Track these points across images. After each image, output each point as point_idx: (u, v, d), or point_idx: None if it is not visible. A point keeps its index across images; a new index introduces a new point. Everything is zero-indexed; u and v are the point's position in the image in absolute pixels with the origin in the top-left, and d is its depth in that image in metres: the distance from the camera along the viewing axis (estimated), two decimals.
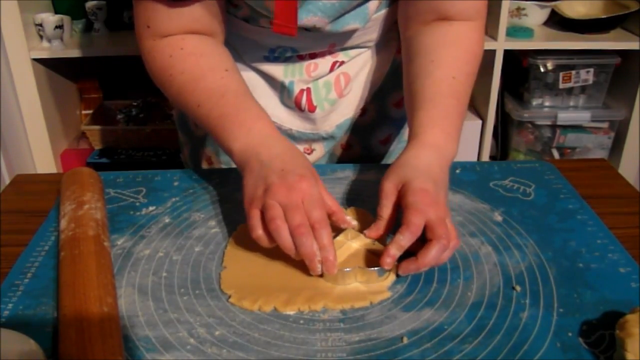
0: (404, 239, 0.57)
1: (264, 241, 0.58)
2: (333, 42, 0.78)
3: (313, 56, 0.80)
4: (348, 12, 0.72)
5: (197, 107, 0.69)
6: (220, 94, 0.68)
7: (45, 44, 1.67)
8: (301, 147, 0.88)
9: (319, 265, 0.56)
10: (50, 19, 1.62)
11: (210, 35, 0.73)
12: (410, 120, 0.69)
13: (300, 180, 0.59)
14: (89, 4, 1.75)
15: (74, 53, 1.68)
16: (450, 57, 0.70)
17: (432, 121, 0.66)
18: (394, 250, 0.57)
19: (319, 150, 0.89)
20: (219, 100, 0.67)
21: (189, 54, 0.70)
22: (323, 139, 0.87)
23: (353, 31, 0.76)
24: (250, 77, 0.83)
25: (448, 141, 0.66)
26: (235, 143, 0.66)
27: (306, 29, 0.72)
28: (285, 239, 0.56)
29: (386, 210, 0.61)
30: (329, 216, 0.60)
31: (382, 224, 0.61)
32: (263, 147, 0.64)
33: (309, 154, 0.89)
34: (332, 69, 0.81)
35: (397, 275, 0.59)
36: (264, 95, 0.84)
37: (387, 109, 0.89)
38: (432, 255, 0.56)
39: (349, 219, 0.63)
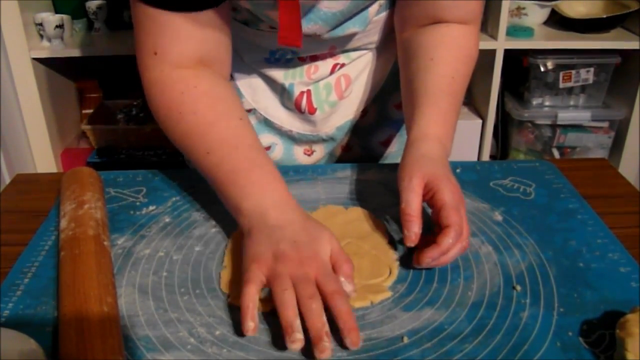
0: (452, 242, 0.57)
1: (252, 304, 0.52)
2: (334, 45, 0.78)
3: (314, 59, 0.80)
4: (349, 18, 0.72)
5: (206, 154, 0.64)
6: (234, 145, 0.63)
7: (45, 43, 1.67)
8: (301, 149, 0.88)
9: (325, 343, 0.48)
10: (50, 18, 1.62)
11: (220, 66, 0.70)
12: (412, 116, 0.68)
13: (313, 255, 0.55)
14: (89, 4, 1.75)
15: (74, 53, 1.68)
16: (449, 57, 0.71)
17: (434, 116, 0.67)
18: (437, 253, 0.56)
19: (319, 152, 0.89)
20: (232, 152, 0.63)
21: (203, 94, 0.65)
22: (323, 140, 0.87)
23: (353, 35, 0.76)
24: (250, 78, 0.83)
25: (447, 136, 0.67)
26: (245, 202, 0.60)
27: (306, 35, 0.72)
28: (291, 311, 0.50)
29: (416, 206, 0.59)
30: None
31: (416, 223, 0.58)
32: (276, 211, 0.59)
33: (309, 155, 0.89)
34: (332, 71, 0.81)
35: (418, 266, 0.59)
36: (265, 96, 0.84)
37: (388, 110, 0.89)
38: (448, 242, 0.56)
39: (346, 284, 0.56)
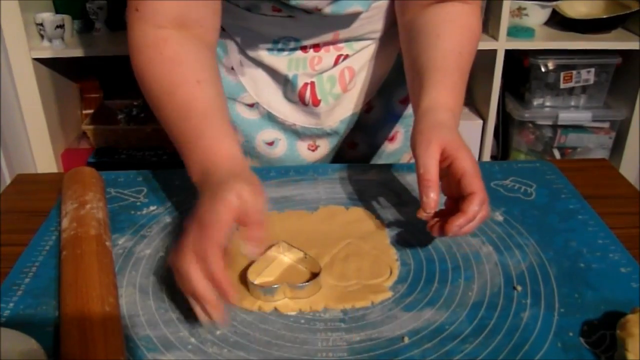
0: (476, 207, 0.56)
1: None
2: (336, 29, 0.78)
3: (317, 49, 0.80)
4: None
5: (165, 124, 0.66)
6: (185, 117, 0.64)
7: (46, 43, 1.67)
8: (305, 144, 0.88)
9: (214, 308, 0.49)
10: (51, 18, 1.62)
11: (201, 30, 0.69)
12: (421, 89, 0.67)
13: (204, 224, 0.52)
14: (89, 4, 1.75)
15: (75, 53, 1.67)
16: (455, 33, 0.71)
17: (445, 89, 0.67)
18: (464, 221, 0.57)
19: (323, 147, 0.89)
20: (183, 123, 0.64)
21: (167, 60, 0.66)
22: (327, 134, 0.87)
23: (356, 16, 0.76)
24: (253, 71, 0.83)
25: (459, 110, 0.67)
26: (194, 176, 0.62)
27: (308, 12, 0.72)
28: (186, 285, 0.51)
29: (434, 171, 0.59)
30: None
31: (434, 189, 0.58)
32: (205, 185, 0.58)
33: (313, 150, 0.89)
34: (336, 63, 0.81)
35: (443, 235, 0.58)
36: (268, 90, 0.84)
37: (393, 106, 0.89)
38: (475, 209, 0.56)
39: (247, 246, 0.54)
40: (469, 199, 0.57)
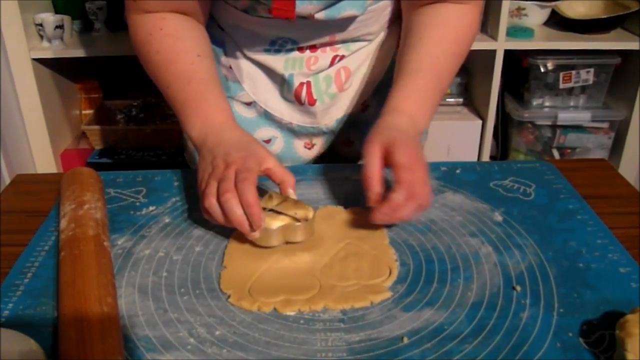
0: (401, 197, 0.60)
1: (209, 218, 0.62)
2: (333, 32, 0.78)
3: (313, 49, 0.80)
4: None
5: (167, 88, 0.73)
6: (187, 79, 0.71)
7: (45, 43, 1.67)
8: (301, 142, 0.89)
9: (248, 227, 0.59)
10: (50, 18, 1.62)
11: (192, 15, 0.76)
12: (391, 90, 0.72)
13: (238, 158, 0.62)
14: (89, 4, 1.75)
15: (75, 53, 1.67)
16: (437, 36, 0.73)
17: (408, 93, 0.71)
18: (388, 209, 0.60)
19: (320, 145, 0.89)
20: (185, 86, 0.71)
21: (167, 35, 0.73)
22: (323, 133, 0.88)
23: (352, 19, 0.77)
24: (250, 70, 0.84)
25: (421, 113, 0.71)
26: (192, 131, 0.70)
27: (304, 18, 0.73)
28: (215, 213, 0.60)
29: (375, 168, 0.63)
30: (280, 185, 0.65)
31: (376, 184, 0.62)
32: (213, 136, 0.67)
33: (309, 148, 0.89)
34: (332, 63, 0.82)
35: (374, 222, 0.62)
36: (264, 88, 0.84)
37: None
38: (398, 198, 0.60)
39: (291, 192, 0.64)
40: (393, 189, 0.61)
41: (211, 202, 0.60)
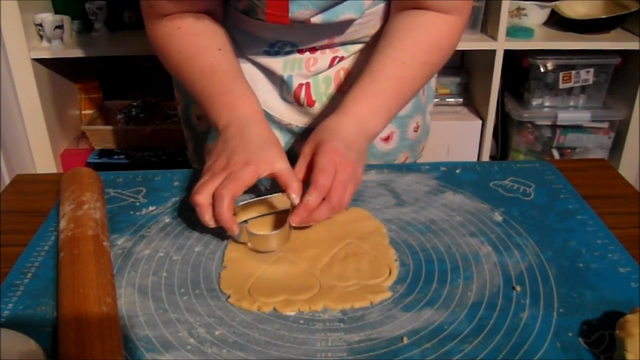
0: (313, 200, 0.60)
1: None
2: (331, 35, 0.79)
3: (313, 51, 0.81)
4: (340, 2, 0.72)
5: (191, 84, 0.74)
6: (211, 73, 0.72)
7: (45, 44, 1.67)
8: (301, 143, 0.88)
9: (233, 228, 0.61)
10: (50, 18, 1.62)
11: (208, 14, 0.76)
12: (347, 92, 0.72)
13: (238, 161, 0.62)
14: (89, 4, 1.75)
15: (74, 53, 1.68)
16: (407, 43, 0.73)
17: (363, 95, 0.70)
18: (303, 211, 0.61)
19: None
20: (210, 79, 0.72)
21: (186, 33, 0.74)
22: None
23: (350, 22, 0.77)
24: (250, 71, 0.84)
25: (372, 116, 0.70)
26: (219, 121, 0.70)
27: (301, 22, 0.73)
28: (207, 216, 0.61)
29: (300, 171, 0.65)
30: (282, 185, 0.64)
31: (294, 183, 0.63)
32: (235, 127, 0.68)
33: None
34: (331, 65, 0.82)
35: (293, 225, 0.62)
36: (264, 89, 0.84)
37: None
38: (308, 199, 0.60)
39: (294, 197, 0.63)
40: (307, 191, 0.61)
41: (195, 198, 0.62)
